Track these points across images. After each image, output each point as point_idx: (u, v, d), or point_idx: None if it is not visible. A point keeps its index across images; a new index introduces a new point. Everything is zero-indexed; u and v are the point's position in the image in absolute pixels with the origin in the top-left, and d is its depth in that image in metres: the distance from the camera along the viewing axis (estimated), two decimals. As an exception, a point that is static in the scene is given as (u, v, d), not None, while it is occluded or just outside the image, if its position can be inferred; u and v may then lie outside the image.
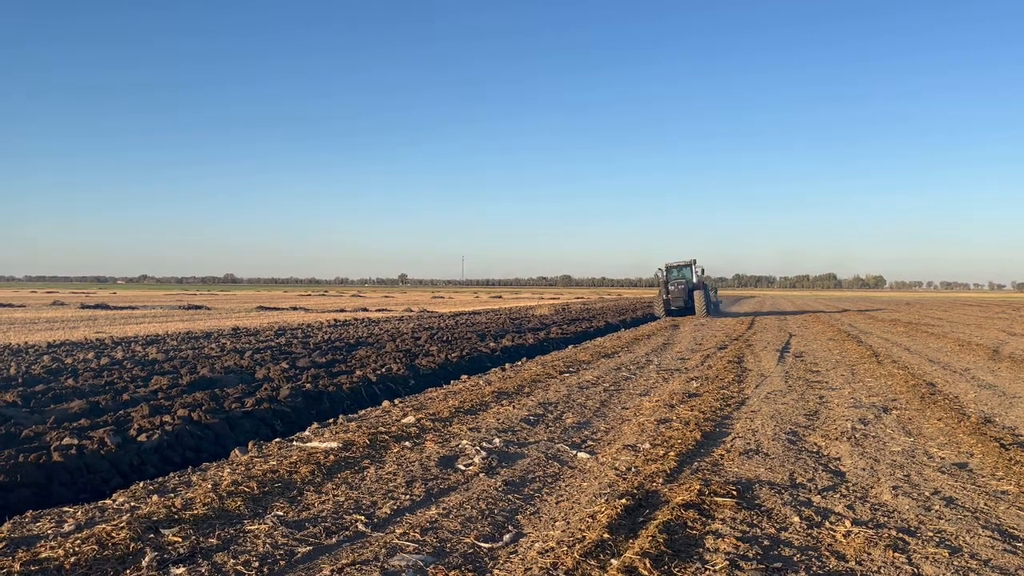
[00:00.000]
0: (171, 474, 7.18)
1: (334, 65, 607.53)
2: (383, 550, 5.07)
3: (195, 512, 5.72)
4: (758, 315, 42.85)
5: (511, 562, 4.88)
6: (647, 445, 8.17)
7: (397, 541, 5.25)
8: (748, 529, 5.45)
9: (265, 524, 5.55)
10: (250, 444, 8.48)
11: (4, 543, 5.13)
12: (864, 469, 7.25)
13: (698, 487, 6.31)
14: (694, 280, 39.75)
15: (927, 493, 6.43)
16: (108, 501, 6.23)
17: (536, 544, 5.19)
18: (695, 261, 40.23)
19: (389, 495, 6.36)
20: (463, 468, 7.27)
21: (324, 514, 5.84)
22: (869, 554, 4.98)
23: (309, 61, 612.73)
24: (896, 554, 4.97)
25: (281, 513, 5.82)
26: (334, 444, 8.03)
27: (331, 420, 9.97)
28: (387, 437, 8.44)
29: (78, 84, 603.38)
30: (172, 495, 6.27)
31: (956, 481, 6.81)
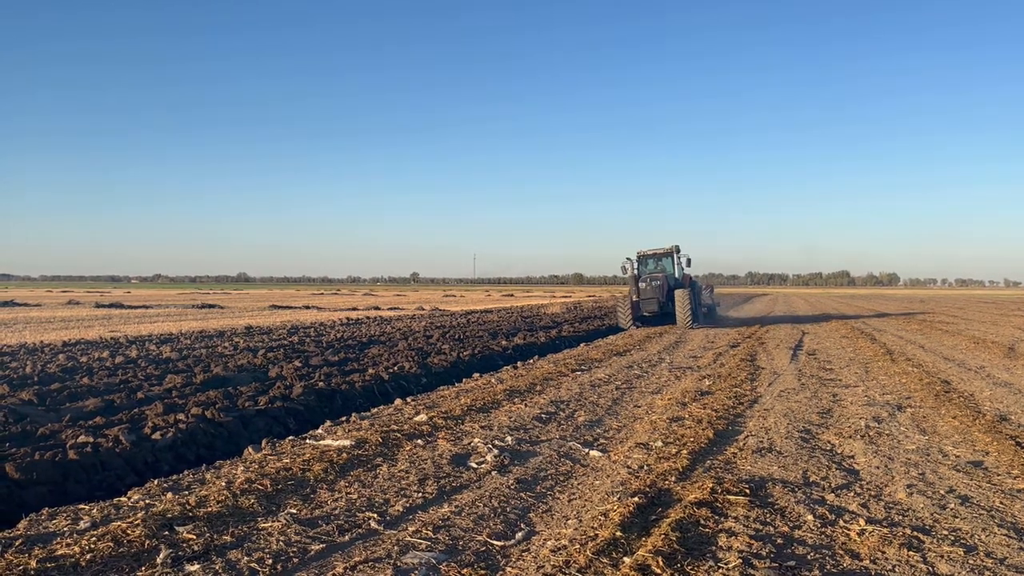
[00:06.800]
0: (185, 472, 7.23)
1: (344, 63, 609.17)
2: (396, 548, 5.09)
3: (209, 510, 5.75)
4: (765, 322, 32.79)
5: (524, 560, 4.88)
6: (659, 443, 8.15)
7: (410, 539, 5.26)
8: (761, 527, 5.43)
9: (279, 522, 5.58)
10: (263, 442, 8.51)
11: (21, 540, 5.18)
12: (878, 467, 7.20)
13: (711, 485, 6.30)
14: (676, 275, 29.10)
15: (942, 491, 6.39)
16: (123, 499, 6.27)
17: (548, 542, 5.18)
18: (678, 248, 29.35)
19: (402, 493, 6.38)
20: (475, 466, 7.27)
21: (337, 512, 5.86)
22: (884, 553, 4.95)
23: (320, 59, 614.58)
24: (911, 552, 4.94)
25: (294, 511, 5.85)
26: (347, 442, 8.06)
27: (344, 418, 10.00)
28: (400, 435, 8.46)
29: (92, 82, 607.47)
30: (186, 493, 6.31)
31: (971, 479, 6.75)
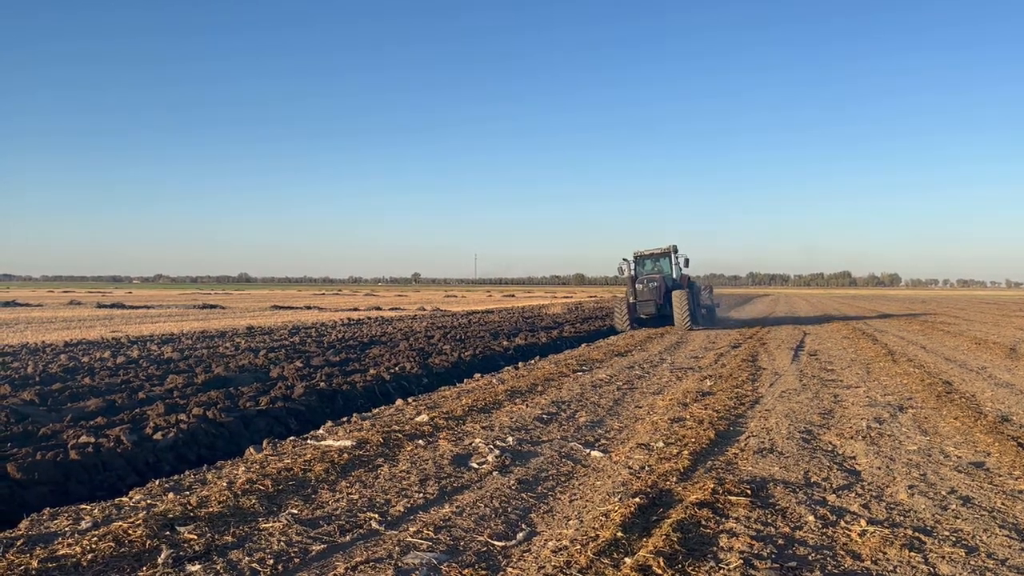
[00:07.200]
0: (186, 472, 7.23)
1: (344, 63, 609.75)
2: (397, 548, 5.09)
3: (210, 510, 5.75)
4: (766, 323, 32.44)
5: (525, 560, 4.88)
6: (661, 444, 8.15)
7: (411, 539, 5.26)
8: (762, 528, 5.43)
9: (280, 522, 5.58)
10: (265, 442, 8.52)
11: (22, 540, 5.18)
12: (879, 468, 7.20)
13: (712, 486, 6.29)
14: (674, 275, 28.34)
15: (943, 492, 6.38)
16: (124, 499, 6.27)
17: (550, 543, 5.18)
18: (676, 248, 28.67)
19: (403, 493, 6.38)
20: (476, 467, 7.27)
21: (338, 512, 5.86)
22: (885, 553, 4.95)
23: (320, 59, 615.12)
24: (912, 553, 4.94)
25: (295, 511, 5.85)
26: (348, 442, 8.06)
27: (345, 418, 10.00)
28: (401, 435, 8.47)
29: (92, 82, 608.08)
30: (188, 493, 6.31)
31: (973, 480, 6.75)
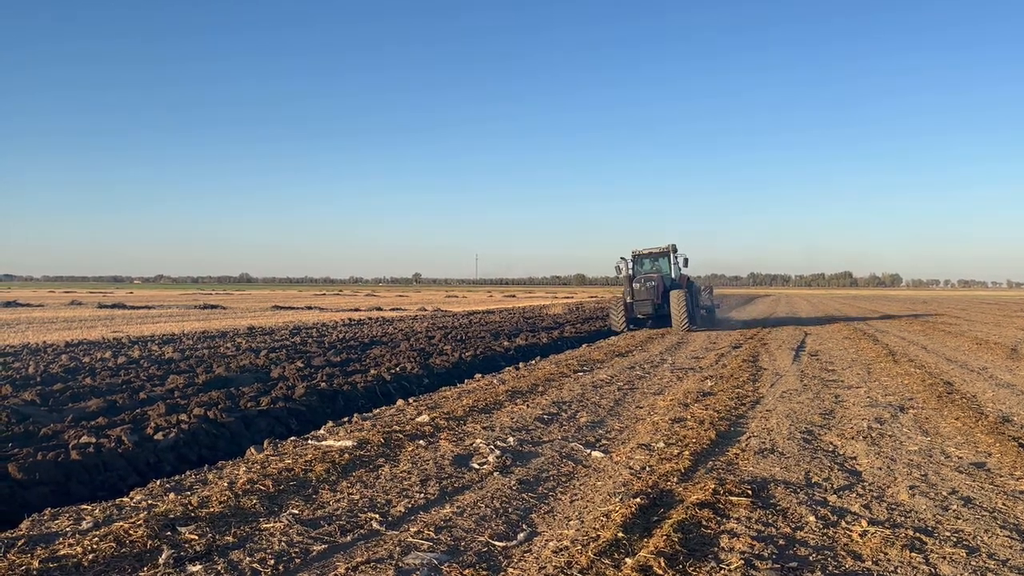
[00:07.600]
0: (187, 472, 7.23)
1: (344, 63, 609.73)
2: (398, 548, 5.09)
3: (211, 510, 5.76)
4: (767, 323, 31.85)
5: (525, 561, 4.89)
6: (661, 444, 8.15)
7: (412, 540, 5.27)
8: (763, 528, 5.43)
9: (280, 522, 5.58)
10: (265, 443, 8.52)
11: (23, 540, 5.19)
12: (880, 468, 7.20)
13: (713, 486, 6.29)
14: (672, 275, 27.70)
15: (944, 493, 6.38)
16: (125, 499, 6.28)
17: (550, 543, 5.19)
18: (675, 247, 27.98)
19: (404, 494, 6.38)
20: (477, 467, 7.28)
21: (339, 512, 5.86)
22: (886, 554, 4.95)
23: (320, 60, 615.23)
24: (913, 554, 4.94)
25: (296, 511, 5.85)
26: (349, 443, 8.06)
27: (346, 419, 10.00)
28: (401, 436, 8.47)
29: (92, 82, 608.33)
30: (188, 493, 6.32)
31: (974, 481, 6.75)
